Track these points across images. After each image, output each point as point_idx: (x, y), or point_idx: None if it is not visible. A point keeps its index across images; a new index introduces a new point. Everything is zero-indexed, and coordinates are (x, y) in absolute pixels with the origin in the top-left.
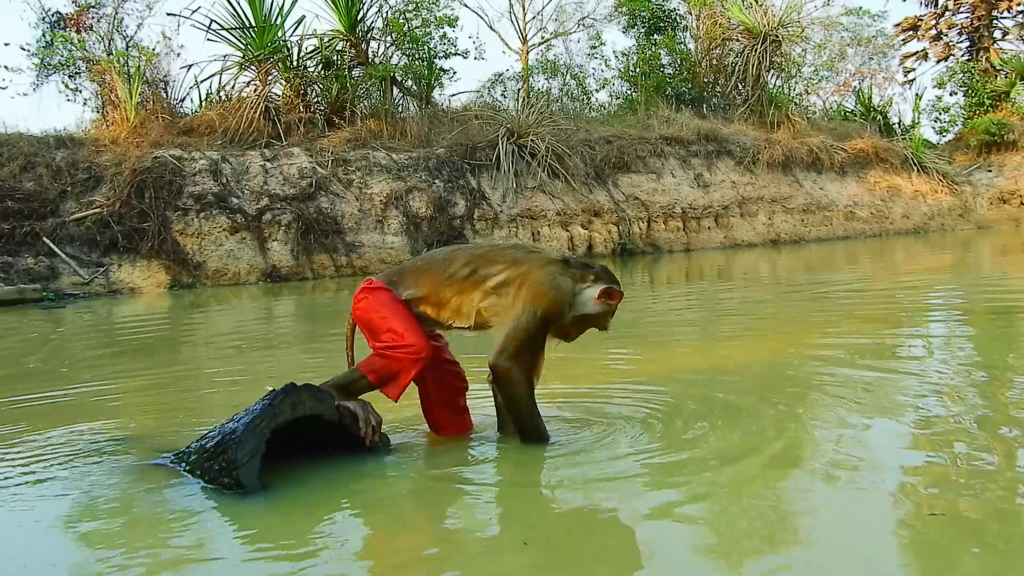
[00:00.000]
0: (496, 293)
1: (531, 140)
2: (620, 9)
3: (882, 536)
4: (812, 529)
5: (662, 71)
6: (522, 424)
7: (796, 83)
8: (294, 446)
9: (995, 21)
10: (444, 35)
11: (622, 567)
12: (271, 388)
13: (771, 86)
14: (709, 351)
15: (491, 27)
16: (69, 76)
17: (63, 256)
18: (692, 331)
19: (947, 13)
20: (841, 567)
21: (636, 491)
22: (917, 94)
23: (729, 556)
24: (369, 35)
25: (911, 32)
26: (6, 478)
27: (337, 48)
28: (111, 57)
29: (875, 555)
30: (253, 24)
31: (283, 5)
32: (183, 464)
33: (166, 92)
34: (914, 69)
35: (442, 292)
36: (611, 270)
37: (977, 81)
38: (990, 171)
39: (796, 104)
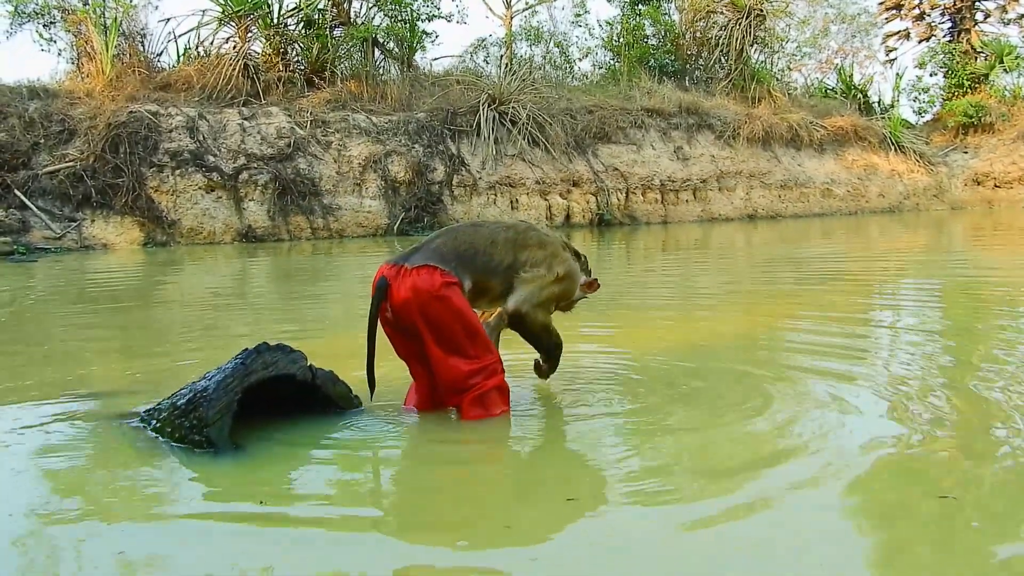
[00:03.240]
0: (521, 274)
1: (512, 107)
2: None
3: (844, 503)
4: (784, 494)
5: (646, 42)
6: (551, 352)
7: (779, 59)
8: (266, 406)
9: (977, 3)
10: None
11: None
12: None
13: (754, 61)
14: (683, 322)
15: None
16: (44, 25)
17: (35, 209)
18: (666, 302)
19: None
20: (808, 535)
21: (601, 455)
22: (898, 73)
23: (694, 526)
24: None
25: (894, 11)
26: None
27: (319, 7)
28: (87, 7)
29: (839, 522)
30: None
31: None
32: (153, 421)
33: (143, 45)
34: (896, 48)
35: (489, 282)
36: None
37: (957, 62)
38: (966, 153)
39: (778, 80)
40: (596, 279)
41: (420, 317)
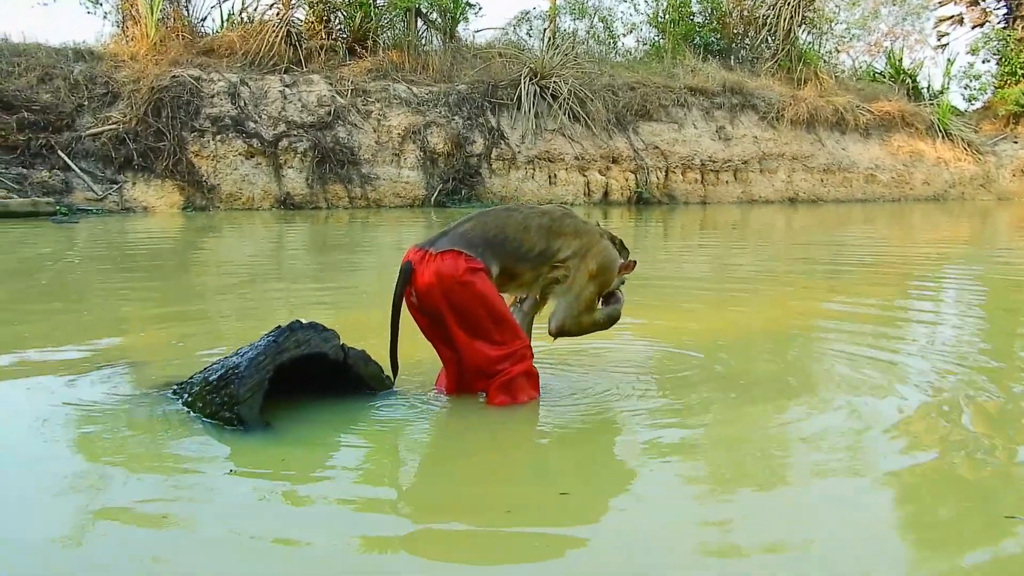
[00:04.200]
0: (563, 265)
1: (554, 82)
2: None
3: (879, 498)
4: (808, 488)
5: (692, 19)
6: (607, 327)
7: (827, 40)
8: (297, 384)
9: None
10: None
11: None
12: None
13: (801, 41)
14: (718, 307)
15: None
16: None
17: (78, 171)
18: (701, 286)
19: None
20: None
21: (630, 441)
22: (949, 59)
23: (720, 509)
24: None
25: None
26: (10, 393)
27: None
28: None
29: (873, 513)
30: None
31: None
32: (185, 395)
33: (187, 10)
34: (948, 33)
35: (518, 268)
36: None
37: (1011, 50)
38: (1016, 142)
39: (825, 61)
40: (633, 260)
41: (444, 302)
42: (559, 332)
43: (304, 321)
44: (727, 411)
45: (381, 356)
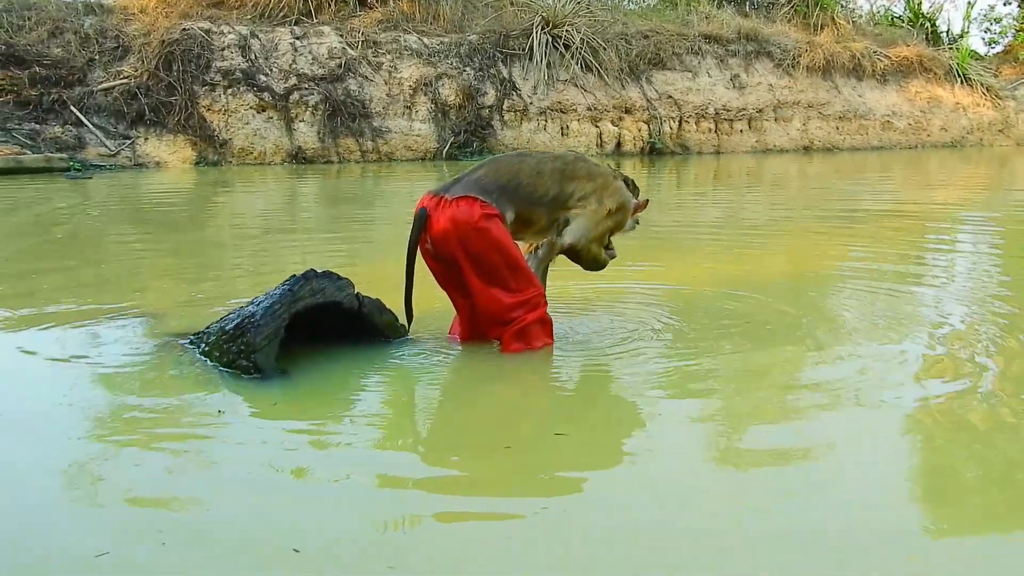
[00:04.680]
0: (578, 207)
1: (566, 31)
2: None
3: (893, 451)
4: (820, 437)
5: None
6: (596, 268)
7: None
8: (313, 333)
9: None
10: None
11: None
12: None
13: None
14: (732, 257)
15: None
16: None
17: (90, 126)
18: (715, 236)
19: None
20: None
21: (642, 390)
22: (969, 2)
23: (733, 460)
24: None
25: None
26: (30, 345)
27: None
28: None
29: (886, 465)
30: None
31: None
32: (202, 345)
33: None
34: None
35: (533, 214)
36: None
37: None
38: None
39: (843, 6)
40: (646, 199)
41: (460, 248)
42: (571, 248)
43: (319, 270)
44: (740, 357)
45: (396, 306)
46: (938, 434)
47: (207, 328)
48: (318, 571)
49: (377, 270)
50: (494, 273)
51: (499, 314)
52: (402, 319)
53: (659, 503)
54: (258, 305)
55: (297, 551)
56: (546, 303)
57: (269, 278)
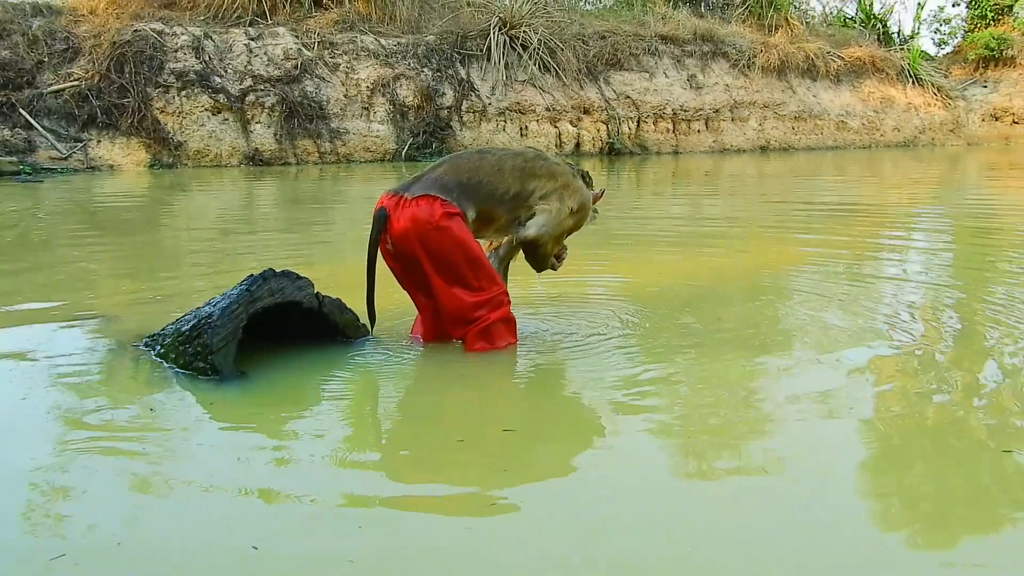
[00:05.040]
0: (539, 205)
1: (524, 32)
2: None
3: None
4: (780, 431)
5: None
6: (545, 267)
7: None
8: (273, 333)
9: None
10: None
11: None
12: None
13: None
14: (691, 257)
15: None
16: None
17: (40, 129)
18: (674, 236)
19: None
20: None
21: (606, 384)
22: (919, 3)
23: (694, 451)
24: None
25: None
26: None
27: None
28: None
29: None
30: None
31: None
32: (158, 347)
33: None
34: None
35: (494, 211)
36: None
37: None
38: (985, 87)
39: (796, 7)
40: (602, 190)
41: (420, 248)
42: (533, 241)
43: (277, 270)
44: (698, 357)
45: (358, 305)
46: (906, 428)
47: (163, 330)
48: (276, 570)
49: (338, 270)
50: (456, 272)
51: (462, 313)
52: (364, 319)
53: (604, 497)
54: (215, 306)
55: (256, 548)
56: (509, 301)
57: (227, 278)
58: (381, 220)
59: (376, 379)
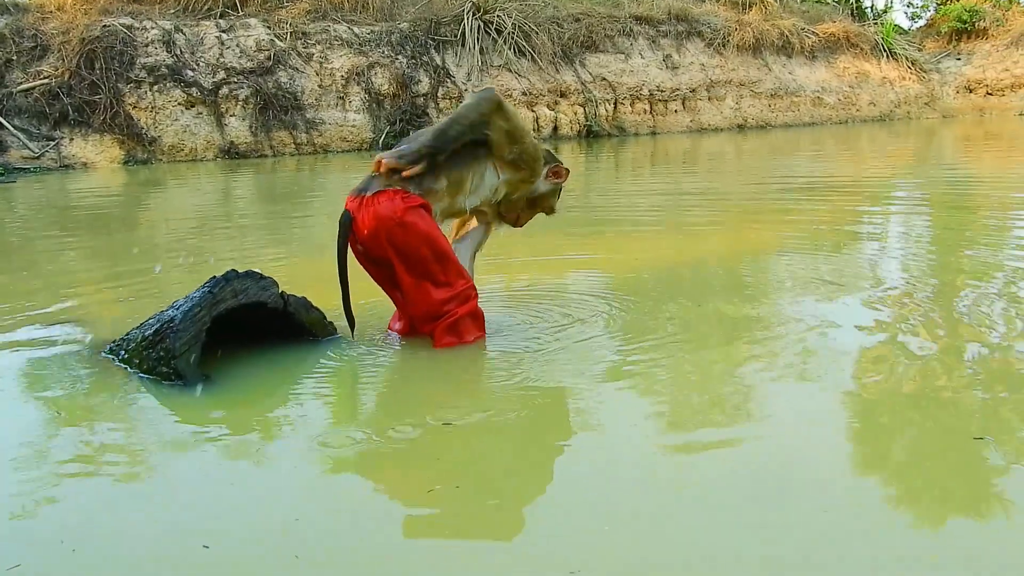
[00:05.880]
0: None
1: (497, 16)
2: None
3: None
4: (766, 416)
5: None
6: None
7: None
8: (241, 333)
9: None
10: None
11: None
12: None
13: None
14: (669, 239)
15: None
16: None
17: (11, 129)
18: (654, 220)
19: None
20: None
21: (591, 375)
22: None
23: (682, 443)
24: None
25: None
26: None
27: None
28: None
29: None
30: None
31: None
32: (123, 352)
33: None
34: None
35: (461, 174)
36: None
37: None
38: (959, 59)
39: None
40: (560, 164)
41: (389, 246)
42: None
43: (240, 271)
44: (677, 345)
45: (334, 301)
46: (886, 413)
47: (128, 334)
48: (232, 569)
49: (316, 266)
50: (423, 267)
51: (430, 309)
52: (332, 317)
53: (591, 488)
54: (178, 309)
55: (207, 547)
56: (476, 294)
57: (204, 278)
58: (347, 224)
59: (340, 378)
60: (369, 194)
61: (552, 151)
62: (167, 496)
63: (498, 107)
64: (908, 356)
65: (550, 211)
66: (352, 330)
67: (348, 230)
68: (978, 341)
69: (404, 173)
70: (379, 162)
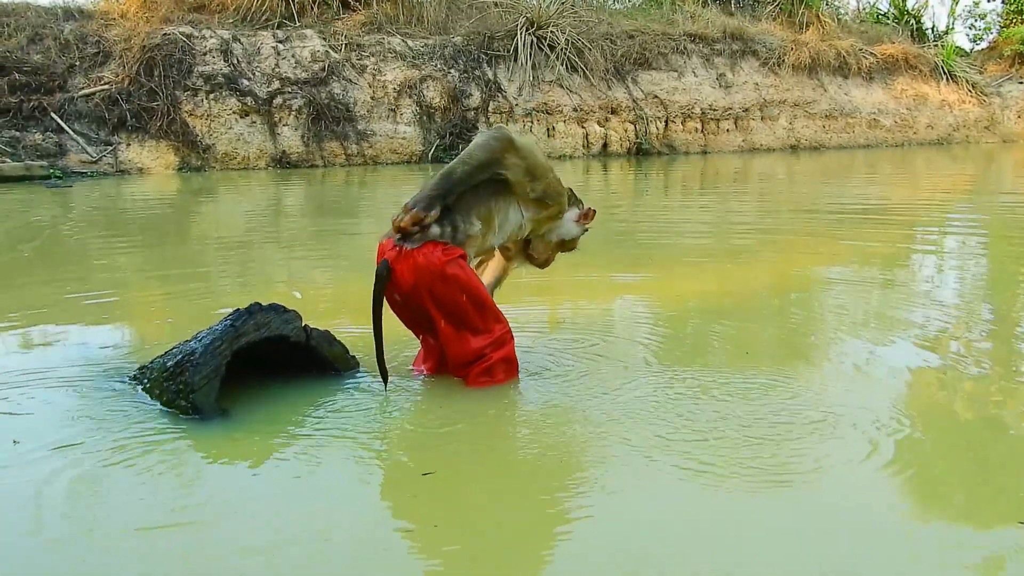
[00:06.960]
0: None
1: (551, 32)
2: None
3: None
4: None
5: None
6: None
7: None
8: (264, 366)
9: None
10: None
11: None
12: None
13: None
14: (718, 266)
15: None
16: None
17: (71, 133)
18: (702, 243)
19: None
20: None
21: (612, 427)
22: None
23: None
24: None
25: None
26: None
27: None
28: None
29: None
30: None
31: None
32: (145, 380)
33: None
34: None
35: (489, 210)
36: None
37: None
38: (1021, 83)
39: (828, 4)
40: (591, 207)
41: (429, 298)
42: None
43: (264, 303)
44: (726, 384)
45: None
46: (932, 456)
47: (151, 363)
48: None
49: (362, 290)
50: (463, 317)
51: (468, 356)
52: (353, 350)
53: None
54: (199, 342)
55: None
56: (512, 338)
57: (247, 298)
58: (384, 276)
59: (367, 418)
60: (409, 247)
61: (574, 191)
62: (176, 533)
63: (510, 145)
64: (961, 398)
65: (571, 250)
66: (385, 383)
67: (386, 281)
68: None
69: (426, 221)
70: (400, 227)
